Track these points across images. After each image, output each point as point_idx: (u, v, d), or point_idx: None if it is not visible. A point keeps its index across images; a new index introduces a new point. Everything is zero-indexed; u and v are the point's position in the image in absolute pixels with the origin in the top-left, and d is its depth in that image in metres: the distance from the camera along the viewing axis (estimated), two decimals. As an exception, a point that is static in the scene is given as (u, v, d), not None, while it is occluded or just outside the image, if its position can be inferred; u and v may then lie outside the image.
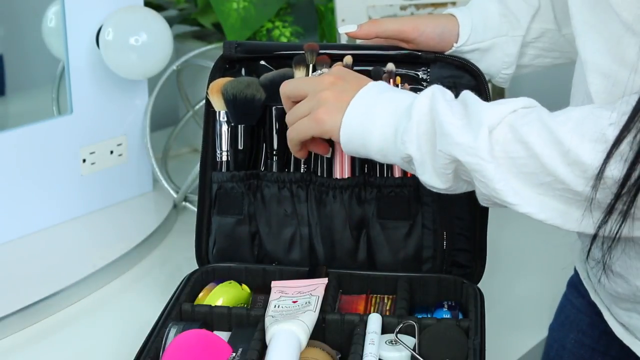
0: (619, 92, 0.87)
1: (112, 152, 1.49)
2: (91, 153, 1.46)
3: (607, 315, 1.09)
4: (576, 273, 1.19)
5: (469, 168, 0.87)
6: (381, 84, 0.98)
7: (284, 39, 1.61)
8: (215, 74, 1.17)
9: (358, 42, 1.18)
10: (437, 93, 0.91)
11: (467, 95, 0.91)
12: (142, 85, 1.51)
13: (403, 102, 0.93)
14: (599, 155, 0.81)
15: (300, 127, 1.00)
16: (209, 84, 1.16)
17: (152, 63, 1.43)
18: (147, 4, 1.49)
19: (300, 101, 1.01)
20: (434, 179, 0.91)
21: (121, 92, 1.48)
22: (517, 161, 0.85)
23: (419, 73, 1.15)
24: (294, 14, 1.63)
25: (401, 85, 1.13)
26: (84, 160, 1.46)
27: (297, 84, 1.03)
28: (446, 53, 1.14)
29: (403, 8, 1.60)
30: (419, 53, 1.14)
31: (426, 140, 0.90)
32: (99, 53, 1.42)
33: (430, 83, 1.14)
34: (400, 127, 0.92)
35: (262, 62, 1.18)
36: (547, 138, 0.84)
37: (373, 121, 0.94)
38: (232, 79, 1.16)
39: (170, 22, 1.51)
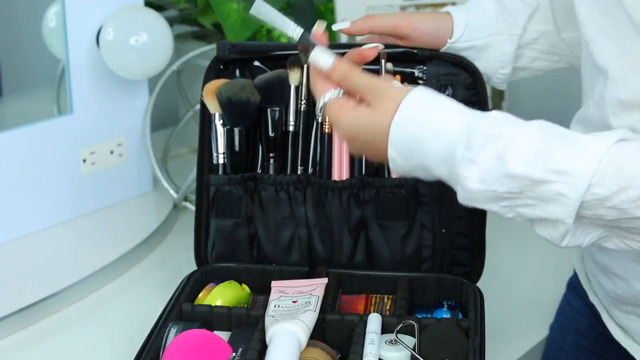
0: (634, 100, 0.86)
1: (112, 152, 1.49)
2: (91, 153, 1.46)
3: (605, 318, 1.08)
4: (575, 274, 1.19)
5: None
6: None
7: (283, 39, 1.61)
8: (209, 75, 1.17)
9: (357, 40, 1.17)
10: None
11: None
12: (142, 86, 1.51)
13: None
14: None
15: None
16: (203, 86, 1.16)
17: (152, 63, 1.43)
18: (147, 4, 1.49)
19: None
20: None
21: (121, 92, 1.48)
22: None
23: (415, 71, 1.15)
24: (294, 14, 1.63)
25: (403, 85, 1.13)
26: (84, 161, 1.46)
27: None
28: (441, 50, 1.12)
29: (403, 8, 1.60)
30: (415, 51, 1.13)
31: None
32: (99, 53, 1.42)
33: (426, 81, 1.14)
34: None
35: (256, 63, 1.18)
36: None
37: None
38: (226, 81, 1.15)
39: (170, 22, 1.51)
